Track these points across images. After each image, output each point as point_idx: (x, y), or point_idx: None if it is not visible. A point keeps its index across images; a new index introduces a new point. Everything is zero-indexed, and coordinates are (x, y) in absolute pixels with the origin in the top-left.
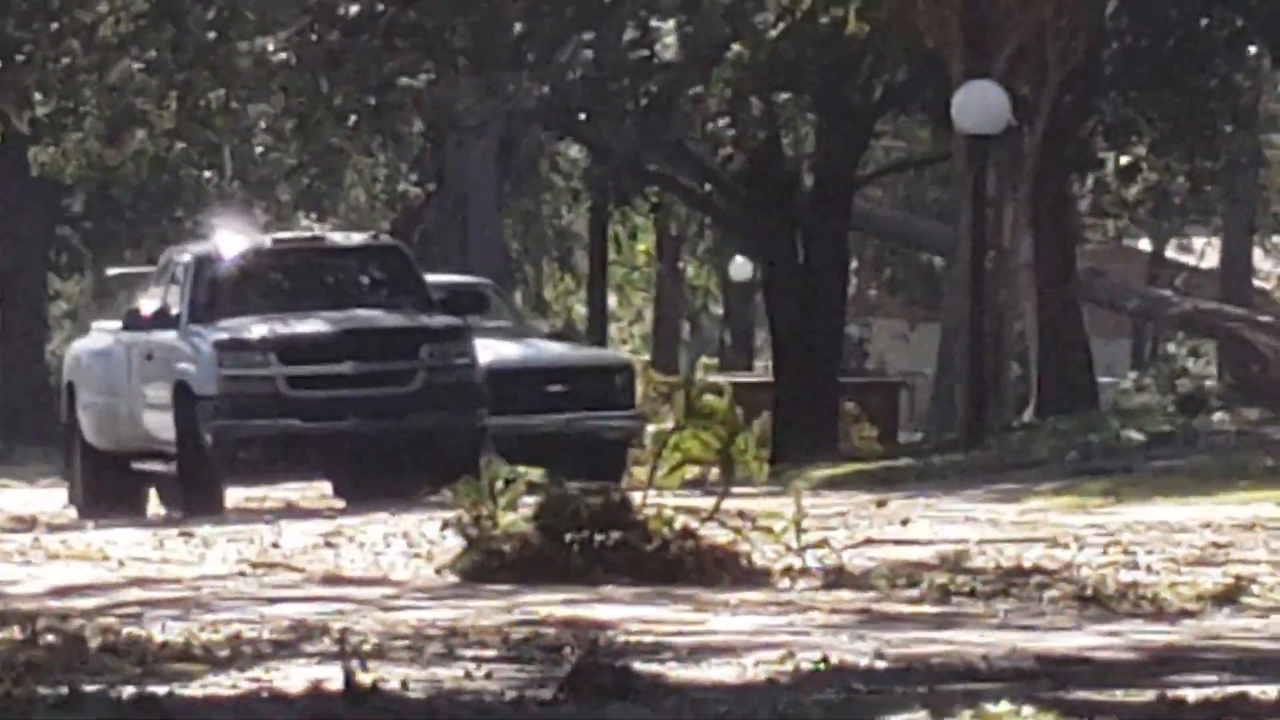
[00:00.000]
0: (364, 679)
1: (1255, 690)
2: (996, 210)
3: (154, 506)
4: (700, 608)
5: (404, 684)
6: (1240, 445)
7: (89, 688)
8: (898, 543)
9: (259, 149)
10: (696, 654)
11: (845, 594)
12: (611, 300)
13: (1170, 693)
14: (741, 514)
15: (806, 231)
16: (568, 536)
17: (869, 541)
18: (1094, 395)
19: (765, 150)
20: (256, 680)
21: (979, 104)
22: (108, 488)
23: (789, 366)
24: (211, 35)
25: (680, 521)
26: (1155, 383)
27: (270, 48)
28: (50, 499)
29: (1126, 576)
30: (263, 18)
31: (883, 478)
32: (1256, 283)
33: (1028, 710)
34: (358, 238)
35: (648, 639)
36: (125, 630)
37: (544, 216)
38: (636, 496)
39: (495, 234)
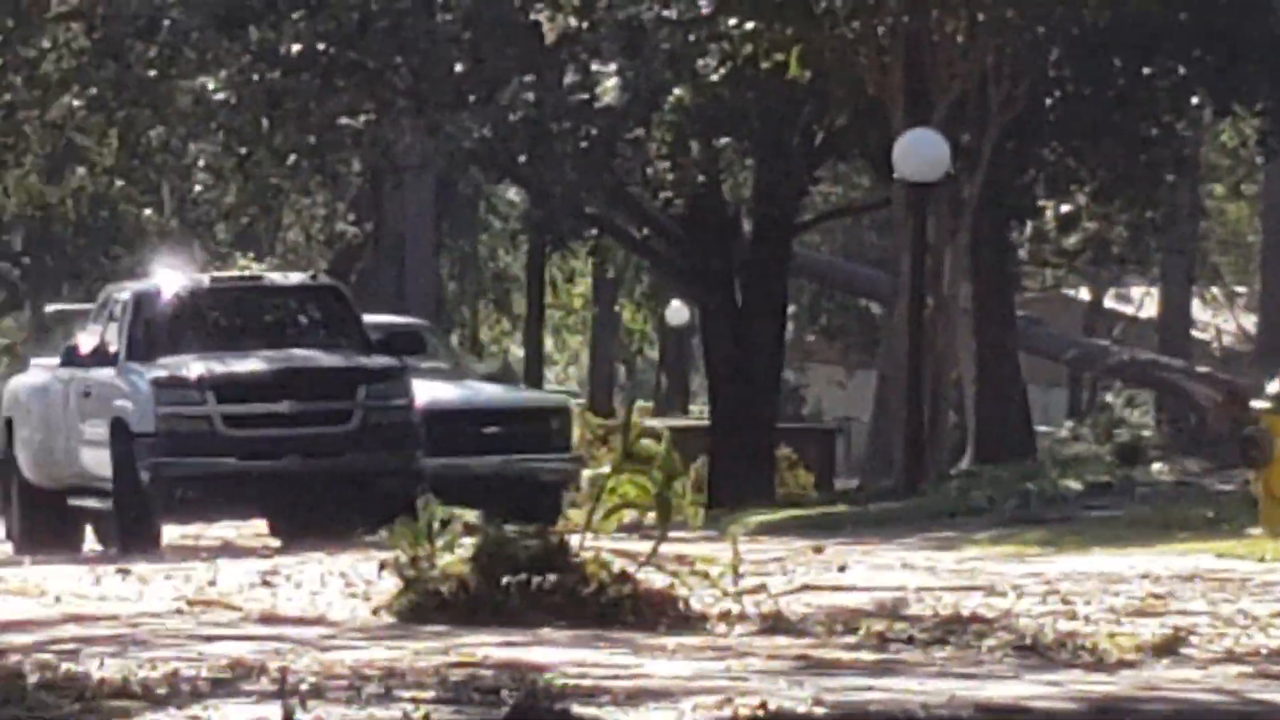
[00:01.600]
0: (302, 718)
1: None
2: (936, 257)
3: (90, 543)
4: (637, 652)
5: None
6: (1179, 496)
7: None
8: (835, 589)
9: (198, 187)
10: (634, 698)
11: (783, 640)
12: (548, 343)
13: None
14: (679, 558)
15: (745, 276)
16: (505, 578)
17: (806, 587)
18: (1031, 444)
19: (705, 194)
20: (195, 718)
21: (919, 152)
22: (45, 524)
23: (726, 411)
24: (153, 73)
25: (618, 565)
26: (1092, 432)
27: (211, 86)
28: None
29: (1065, 626)
30: (204, 56)
31: (820, 524)
32: (1195, 333)
33: None
34: (296, 277)
35: (585, 682)
36: (63, 667)
37: (481, 258)
38: (574, 539)
39: (432, 275)
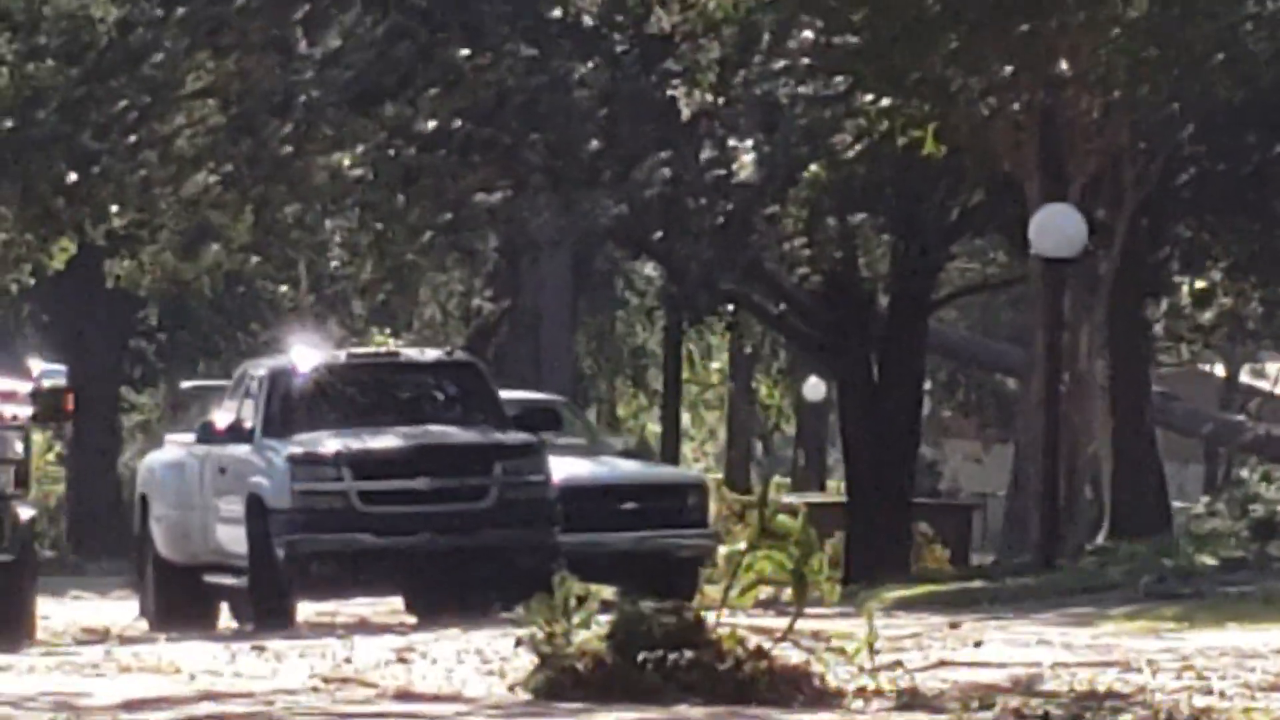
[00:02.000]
0: None
1: None
2: (1072, 333)
3: (225, 620)
4: None
5: None
6: None
7: None
8: (971, 665)
9: (334, 263)
10: None
11: (919, 716)
12: (685, 418)
13: None
14: (815, 634)
15: (881, 352)
16: (641, 655)
17: (942, 663)
18: (1167, 519)
19: (841, 270)
20: None
21: (1056, 227)
22: (179, 600)
23: (862, 487)
24: (288, 149)
25: (753, 641)
26: (1228, 508)
27: (346, 163)
28: (122, 611)
29: (1200, 702)
30: (339, 132)
31: (956, 599)
32: None
33: None
34: (432, 353)
35: None
36: None
37: (618, 334)
38: (710, 615)
39: (569, 351)
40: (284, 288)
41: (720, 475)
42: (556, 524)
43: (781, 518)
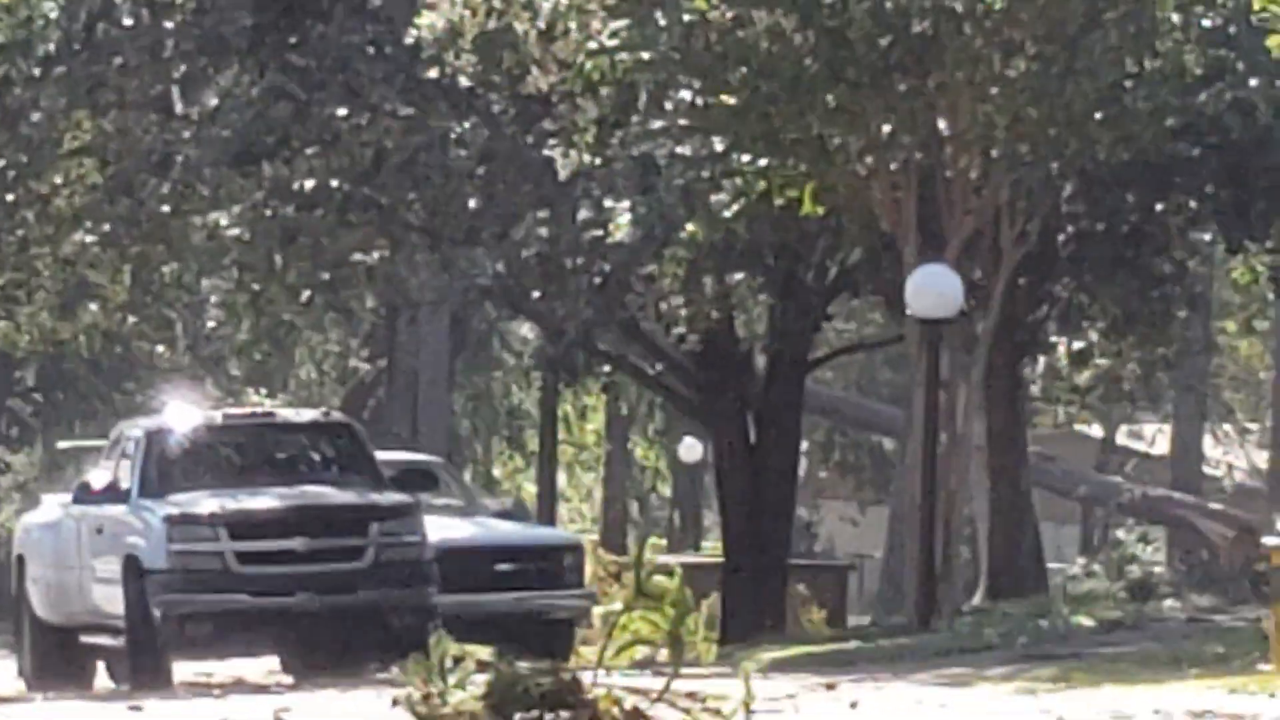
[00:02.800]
0: None
1: None
2: (949, 393)
3: (102, 680)
4: None
5: None
6: (1190, 632)
7: None
8: None
9: (211, 323)
10: None
11: None
12: (561, 479)
13: None
14: (691, 695)
15: (758, 412)
16: (517, 715)
17: None
18: (1044, 580)
19: (718, 330)
20: None
21: (932, 288)
22: (57, 661)
23: (738, 547)
24: (166, 209)
25: (630, 702)
26: (1105, 569)
27: (224, 222)
28: (0, 671)
29: None
30: (217, 192)
31: (832, 660)
32: (1207, 470)
33: None
34: (308, 414)
35: None
36: None
37: (494, 394)
38: (586, 676)
39: (445, 411)
40: (161, 348)
41: (596, 536)
42: (433, 584)
43: (657, 578)
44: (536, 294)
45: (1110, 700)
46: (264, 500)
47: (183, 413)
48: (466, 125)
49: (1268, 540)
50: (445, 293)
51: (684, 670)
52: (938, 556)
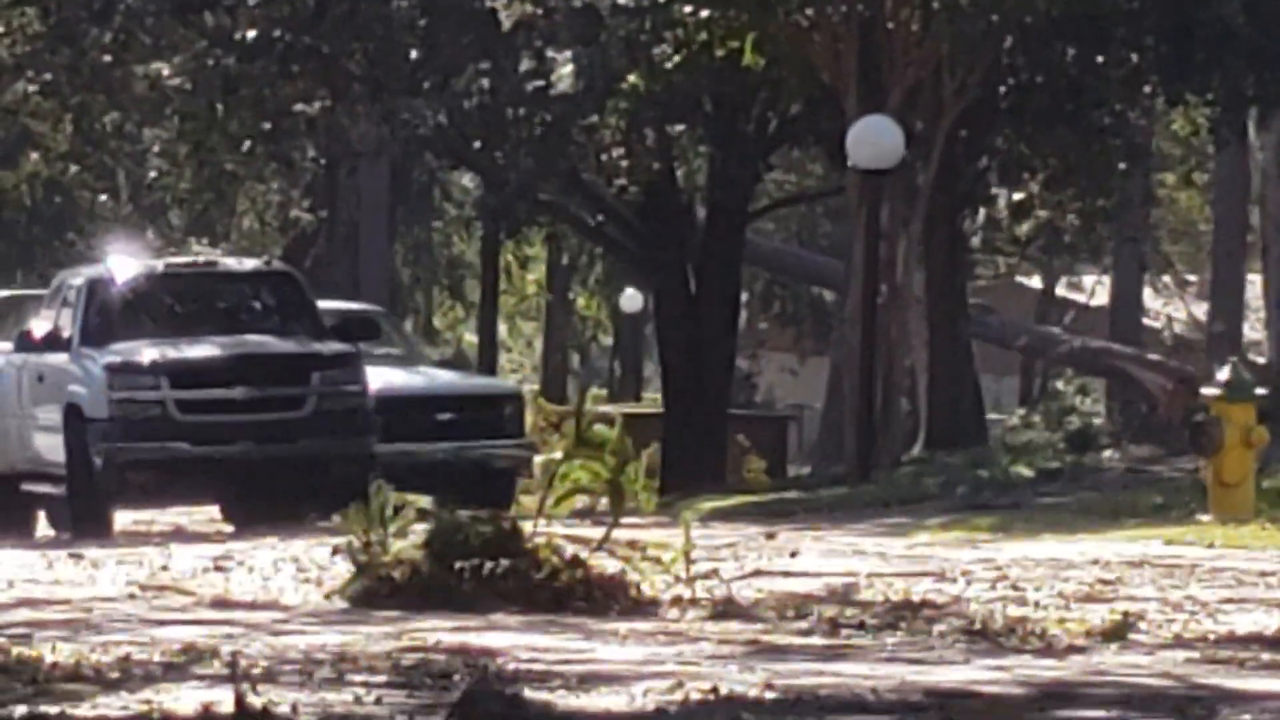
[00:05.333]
0: (254, 702)
1: None
2: (889, 245)
3: (43, 528)
4: (589, 636)
5: (294, 708)
6: (1129, 483)
7: None
8: (786, 575)
9: (153, 173)
10: (586, 682)
11: (734, 625)
12: (502, 330)
13: None
14: (631, 544)
15: (698, 264)
16: (457, 564)
17: (758, 573)
18: (983, 431)
19: (659, 182)
20: (147, 702)
21: (873, 139)
22: None
23: (678, 398)
24: (107, 59)
25: (570, 550)
26: (1044, 420)
27: (166, 72)
28: None
29: (1015, 612)
30: (159, 42)
31: (771, 510)
32: (1146, 321)
33: None
34: (250, 263)
35: (537, 667)
36: (15, 651)
37: (435, 245)
38: (526, 525)
39: (386, 262)
40: (103, 197)
41: (537, 386)
42: (373, 434)
43: (598, 427)
44: (478, 144)
45: (1049, 550)
46: (205, 349)
47: (124, 262)
48: None
49: (1206, 391)
50: (386, 143)
51: (624, 519)
52: (877, 407)
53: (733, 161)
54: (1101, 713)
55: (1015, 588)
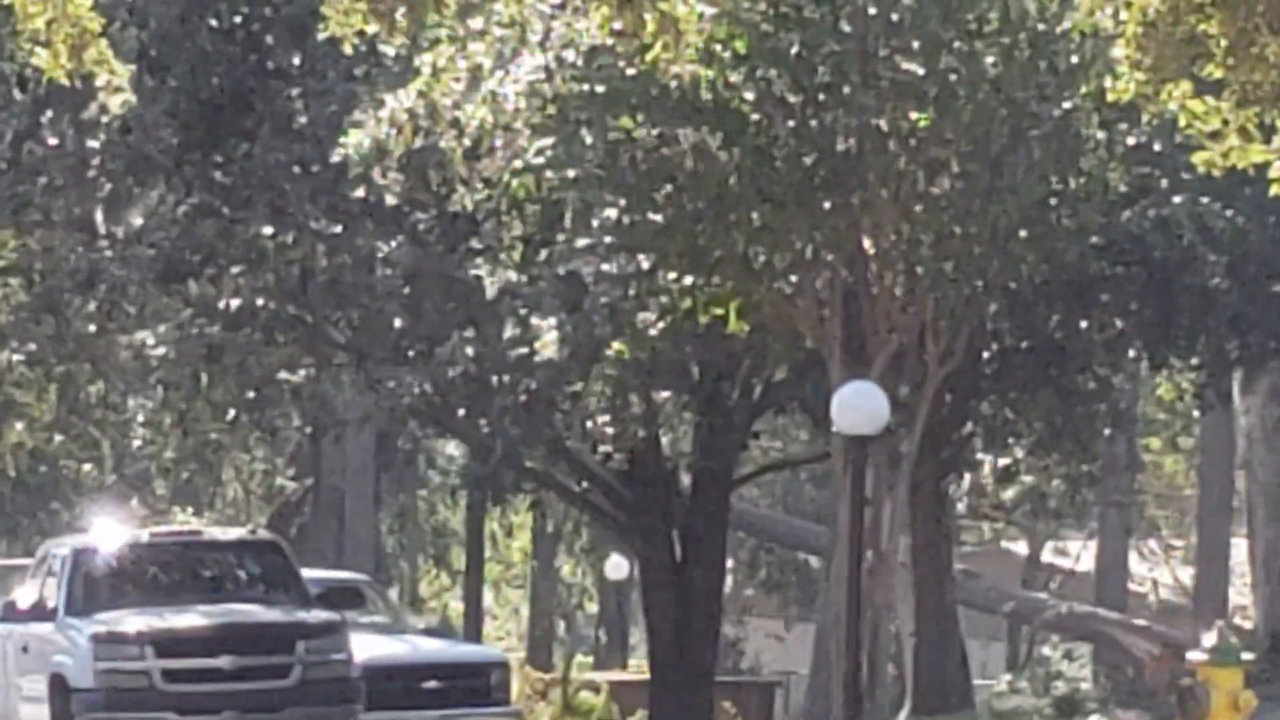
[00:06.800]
0: None
1: None
2: (874, 510)
3: None
4: None
5: None
6: None
7: None
8: None
9: (137, 442)
10: None
11: None
12: (488, 597)
13: None
14: None
15: (684, 530)
16: None
17: None
18: (970, 697)
19: (644, 448)
20: None
21: (857, 405)
22: None
23: (665, 665)
24: (92, 328)
25: None
26: (1030, 685)
27: (150, 341)
28: None
29: None
30: (142, 311)
31: None
32: (1132, 586)
33: None
34: (235, 533)
35: None
36: None
37: (420, 512)
38: None
39: (371, 529)
40: (87, 466)
41: (523, 654)
42: (359, 703)
43: (584, 694)
44: (462, 412)
45: None
46: (191, 618)
47: (109, 531)
48: (393, 244)
49: (1192, 656)
50: (371, 411)
51: None
52: (863, 673)
53: (718, 428)
54: None
55: None
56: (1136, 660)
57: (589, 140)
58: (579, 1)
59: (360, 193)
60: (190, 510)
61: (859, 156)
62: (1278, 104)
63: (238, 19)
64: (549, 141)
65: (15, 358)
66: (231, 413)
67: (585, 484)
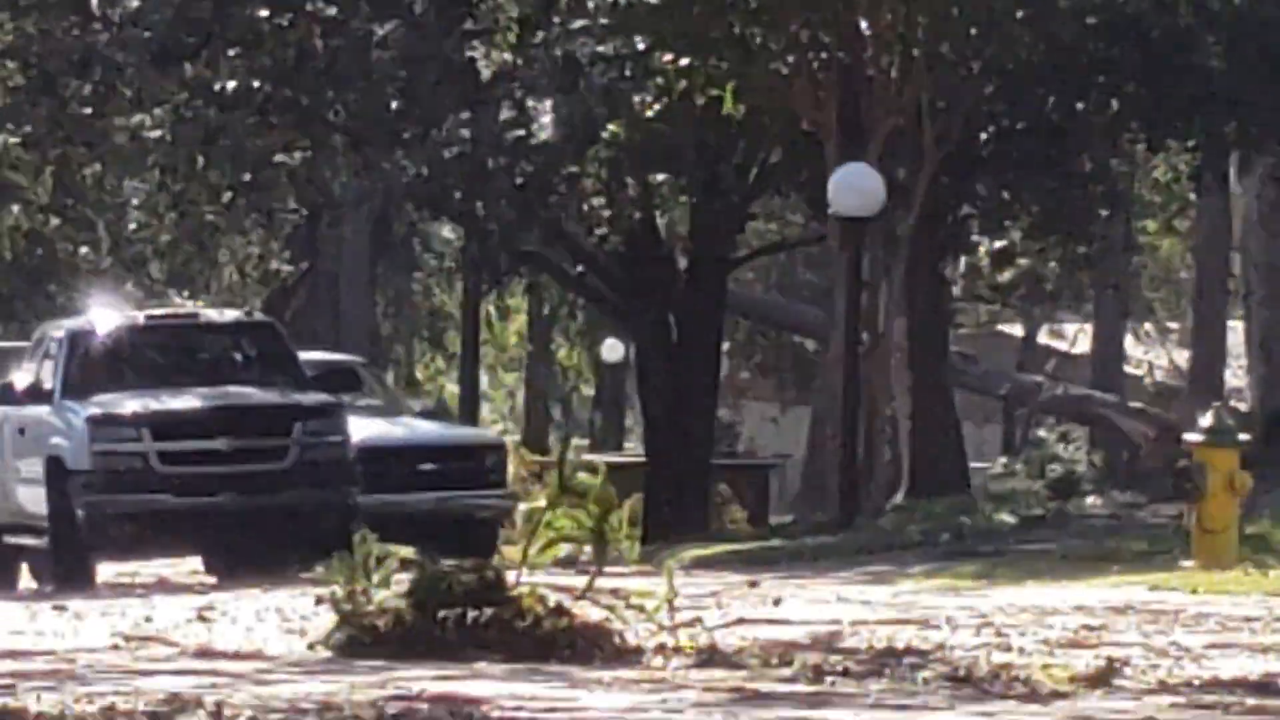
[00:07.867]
0: None
1: None
2: (870, 294)
3: (26, 581)
4: (573, 685)
5: None
6: (1112, 529)
7: None
8: (770, 623)
9: (133, 225)
10: None
11: (718, 673)
12: (483, 380)
13: None
14: (614, 592)
15: (680, 313)
16: (441, 613)
17: (742, 621)
18: (965, 479)
19: (640, 231)
20: None
21: (854, 187)
22: None
23: (661, 448)
24: (88, 110)
25: (553, 599)
26: (1026, 467)
27: (146, 123)
28: None
29: (999, 658)
30: (139, 93)
31: (754, 558)
32: (1128, 369)
33: None
34: (231, 314)
35: (521, 715)
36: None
37: (416, 296)
38: (509, 574)
39: (367, 313)
40: (84, 249)
41: (519, 437)
42: (356, 484)
43: (580, 476)
44: (458, 195)
45: (1032, 597)
46: (187, 400)
47: (105, 314)
48: (389, 26)
49: (1189, 437)
50: (367, 194)
51: (607, 568)
52: (859, 456)
53: (714, 211)
54: None
55: (999, 634)
56: (1132, 442)
57: None
58: None
59: None
60: (186, 293)
61: None
62: None
63: None
64: None
65: (11, 140)
66: (227, 195)
67: (581, 267)
